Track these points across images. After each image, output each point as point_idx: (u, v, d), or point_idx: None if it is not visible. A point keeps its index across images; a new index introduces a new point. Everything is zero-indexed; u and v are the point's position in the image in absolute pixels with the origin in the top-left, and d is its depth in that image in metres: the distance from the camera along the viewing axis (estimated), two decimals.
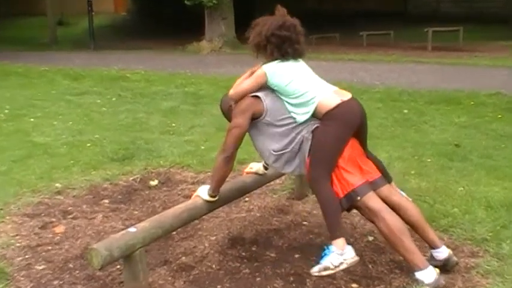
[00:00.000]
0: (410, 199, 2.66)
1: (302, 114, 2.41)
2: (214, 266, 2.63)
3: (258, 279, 2.50)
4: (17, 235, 2.98)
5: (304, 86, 2.41)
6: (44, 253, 2.78)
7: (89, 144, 4.87)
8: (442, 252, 2.44)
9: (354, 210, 2.52)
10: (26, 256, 2.75)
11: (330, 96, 2.40)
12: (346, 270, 2.43)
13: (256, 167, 2.97)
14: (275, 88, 2.44)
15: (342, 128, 2.36)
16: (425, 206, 3.21)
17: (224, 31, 14.12)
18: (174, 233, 2.95)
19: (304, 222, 3.14)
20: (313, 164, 2.35)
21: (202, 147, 4.71)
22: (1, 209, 3.33)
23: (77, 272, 2.59)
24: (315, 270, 2.30)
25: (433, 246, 2.46)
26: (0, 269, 2.58)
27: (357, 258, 2.30)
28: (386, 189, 2.46)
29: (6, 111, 6.47)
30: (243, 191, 2.93)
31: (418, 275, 2.30)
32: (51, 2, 17.74)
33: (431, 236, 2.46)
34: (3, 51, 14.06)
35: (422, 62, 10.58)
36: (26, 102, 6.99)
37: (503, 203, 3.20)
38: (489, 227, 2.87)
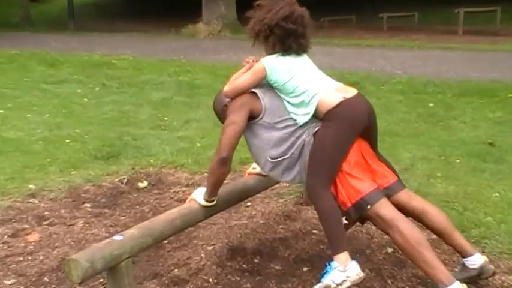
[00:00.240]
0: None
1: (302, 115, 2.43)
2: (211, 280, 2.64)
3: None
4: None
5: (305, 83, 2.43)
6: (14, 265, 2.78)
7: (68, 140, 4.89)
8: (476, 260, 2.43)
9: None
10: None
11: (331, 93, 2.41)
12: (363, 287, 2.42)
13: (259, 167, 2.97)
14: (274, 84, 2.46)
15: (344, 128, 2.36)
16: (454, 214, 3.22)
17: (224, 12, 14.12)
18: (166, 241, 2.95)
19: (314, 231, 3.14)
20: (311, 170, 2.36)
21: (198, 145, 4.72)
22: None
23: (53, 286, 2.60)
24: None
25: (464, 255, 2.45)
26: None
27: (362, 274, 2.29)
28: (405, 194, 2.46)
29: None
30: (244, 195, 2.93)
31: None
32: None
33: (462, 242, 2.46)
34: None
35: (452, 48, 10.57)
36: None
37: None
38: None
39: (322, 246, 2.94)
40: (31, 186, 3.79)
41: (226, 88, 2.50)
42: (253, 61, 2.55)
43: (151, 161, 4.29)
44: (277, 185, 3.55)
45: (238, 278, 2.65)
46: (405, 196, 2.46)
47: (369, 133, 2.47)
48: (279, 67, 2.43)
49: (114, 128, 5.34)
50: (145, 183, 3.87)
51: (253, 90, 2.47)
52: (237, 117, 2.39)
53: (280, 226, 3.23)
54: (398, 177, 2.52)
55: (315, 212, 3.35)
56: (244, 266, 2.76)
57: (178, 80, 7.88)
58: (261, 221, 3.30)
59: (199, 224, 3.02)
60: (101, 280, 2.57)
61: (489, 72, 7.81)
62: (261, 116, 2.44)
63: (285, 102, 2.46)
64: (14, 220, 3.28)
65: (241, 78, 2.48)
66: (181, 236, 3.07)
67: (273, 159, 2.47)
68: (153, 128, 5.37)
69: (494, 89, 6.70)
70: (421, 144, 4.76)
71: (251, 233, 3.14)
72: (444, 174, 3.98)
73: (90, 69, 8.77)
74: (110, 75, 8.22)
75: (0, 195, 3.63)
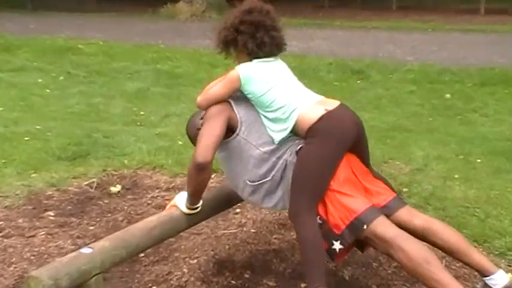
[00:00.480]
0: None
1: (278, 132, 2.48)
2: None
3: None
4: None
5: (283, 97, 2.48)
6: None
7: (27, 138, 4.86)
8: (499, 279, 2.42)
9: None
10: None
11: (312, 107, 2.46)
12: None
13: None
14: (249, 96, 2.52)
15: (330, 144, 2.40)
16: (474, 222, 3.24)
17: None
18: (143, 254, 2.94)
19: None
20: (294, 193, 2.40)
21: (180, 143, 4.71)
22: None
23: None
24: None
25: (485, 273, 2.45)
26: None
27: None
28: (405, 212, 2.49)
29: None
30: (233, 200, 2.92)
31: None
32: None
33: (481, 259, 2.46)
34: None
35: (472, 30, 10.63)
36: None
37: None
38: None
39: None
40: None
41: (199, 98, 2.57)
42: None
43: (125, 161, 4.28)
44: None
45: None
46: (406, 214, 2.48)
47: (358, 147, 2.51)
48: (255, 76, 2.49)
49: (82, 123, 5.31)
50: (118, 188, 3.85)
51: (229, 100, 2.53)
52: (214, 123, 2.42)
53: (274, 236, 3.23)
54: (396, 193, 2.56)
55: None
56: (233, 282, 2.76)
57: (156, 68, 7.86)
58: (252, 230, 3.30)
59: (181, 234, 3.01)
60: None
61: None
62: (238, 130, 2.48)
63: (261, 116, 2.52)
64: None
65: (214, 88, 2.55)
66: (161, 248, 3.05)
67: (252, 182, 2.51)
68: (127, 123, 5.36)
69: None
70: (436, 141, 4.79)
71: (241, 244, 3.14)
72: (463, 175, 4.00)
73: (52, 55, 8.72)
74: (76, 63, 8.18)
75: None
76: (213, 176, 3.84)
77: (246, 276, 2.81)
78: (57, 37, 10.28)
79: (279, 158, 2.48)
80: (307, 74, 7.24)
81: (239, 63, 2.57)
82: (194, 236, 3.22)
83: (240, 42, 2.54)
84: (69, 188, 3.84)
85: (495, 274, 2.42)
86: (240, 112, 2.51)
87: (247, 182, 2.52)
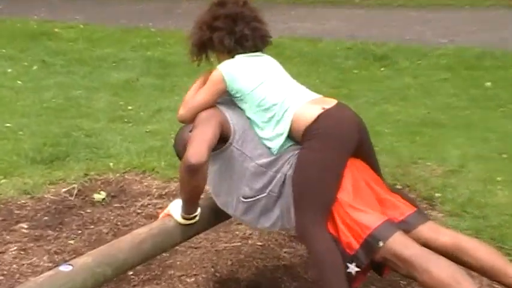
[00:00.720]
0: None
1: (275, 138, 2.52)
2: None
3: None
4: None
5: (275, 94, 2.52)
6: None
7: None
8: None
9: None
10: None
11: (307, 106, 2.50)
12: None
13: None
14: (236, 95, 2.57)
15: (329, 147, 2.43)
16: None
17: None
18: (131, 272, 2.95)
19: None
20: (298, 206, 2.42)
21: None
22: None
23: None
24: None
25: None
26: None
27: None
28: (428, 228, 2.48)
29: None
30: None
31: None
32: None
33: None
34: None
35: None
36: None
37: None
38: None
39: None
40: None
41: (181, 111, 2.62)
42: None
43: (111, 164, 4.29)
44: None
45: None
46: (429, 230, 2.47)
47: (363, 153, 2.54)
48: (240, 71, 2.54)
49: (60, 120, 5.32)
50: (102, 195, 3.86)
51: (217, 106, 2.56)
52: (206, 127, 2.44)
53: (284, 250, 3.23)
54: (417, 208, 2.56)
55: None
56: None
57: (146, 55, 7.86)
58: (259, 243, 3.30)
59: (176, 248, 3.02)
60: None
61: None
62: (230, 140, 2.50)
63: (253, 125, 2.55)
64: None
65: (197, 95, 2.59)
66: (152, 264, 3.06)
67: (246, 199, 2.54)
68: (113, 120, 5.36)
69: None
70: (474, 138, 4.77)
71: (245, 259, 3.15)
72: (507, 177, 3.99)
73: (24, 40, 8.72)
74: (52, 50, 8.18)
75: None
76: None
77: None
78: (30, 19, 10.29)
79: (276, 171, 2.51)
80: (322, 60, 7.23)
81: (218, 62, 2.63)
82: (191, 250, 3.23)
83: (215, 41, 2.60)
84: (45, 196, 3.85)
85: None
86: (232, 118, 2.53)
87: (241, 198, 2.54)
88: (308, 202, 2.40)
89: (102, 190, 3.91)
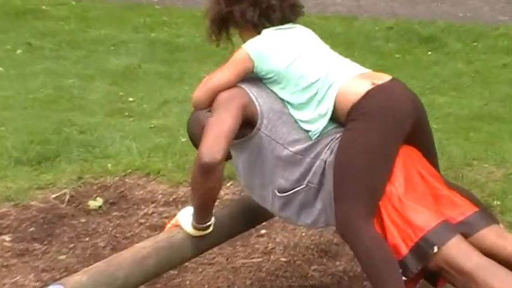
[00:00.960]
0: None
1: (316, 121, 2.50)
2: None
3: None
4: None
5: (315, 68, 2.50)
6: None
7: None
8: None
9: None
10: None
11: (354, 80, 2.48)
12: None
13: None
14: (267, 76, 2.54)
15: (381, 129, 2.41)
16: None
17: None
18: None
19: None
20: (340, 198, 2.40)
21: (183, 139, 4.70)
22: None
23: None
24: None
25: None
26: None
27: None
28: (493, 234, 2.44)
29: None
30: (256, 218, 2.94)
31: None
32: None
33: None
34: None
35: None
36: None
37: None
38: None
39: None
40: None
41: (197, 92, 2.60)
42: None
43: (109, 165, 4.29)
44: None
45: None
46: (495, 236, 2.44)
47: (419, 139, 2.52)
48: (270, 47, 2.52)
49: (49, 114, 5.34)
50: (99, 202, 3.87)
51: (240, 85, 2.55)
52: (225, 112, 2.44)
53: (313, 267, 3.23)
54: (481, 208, 2.53)
55: None
56: None
57: (150, 37, 7.86)
58: (283, 259, 3.29)
59: (186, 264, 3.02)
60: None
61: None
62: (257, 126, 2.49)
63: (286, 104, 2.54)
64: None
65: (216, 75, 2.58)
66: (158, 283, 3.05)
67: (282, 193, 2.53)
68: (111, 113, 5.37)
69: None
70: None
71: (267, 277, 3.14)
72: None
73: (6, 20, 8.70)
74: (39, 30, 8.19)
75: None
76: (228, 184, 3.84)
77: None
78: None
79: (314, 158, 2.49)
80: (358, 42, 7.18)
81: (242, 41, 2.62)
82: (204, 267, 3.22)
83: (236, 15, 2.59)
84: (32, 203, 3.86)
85: None
86: (259, 99, 2.51)
87: (276, 192, 2.53)
88: (352, 192, 2.38)
89: (98, 196, 3.92)
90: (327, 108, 2.48)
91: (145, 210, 3.79)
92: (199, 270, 3.20)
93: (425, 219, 2.34)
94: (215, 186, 2.44)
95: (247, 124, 2.48)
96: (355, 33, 7.63)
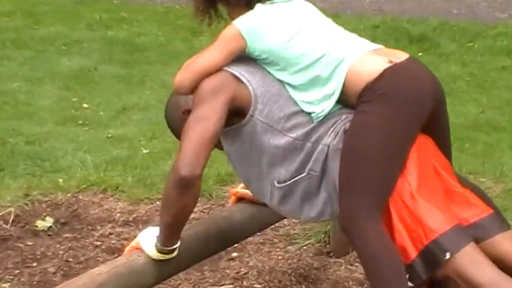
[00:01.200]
0: None
1: (320, 102, 2.48)
2: None
3: None
4: None
5: (319, 43, 2.48)
6: None
7: None
8: None
9: None
10: None
11: (367, 57, 2.47)
12: None
13: None
14: (263, 56, 2.52)
15: (399, 114, 2.39)
16: None
17: None
18: None
19: None
20: (346, 189, 2.39)
21: (145, 151, 4.73)
22: None
23: None
24: None
25: None
26: None
27: None
28: (505, 240, 2.46)
29: None
30: (227, 239, 2.94)
31: None
32: None
33: None
34: None
35: None
36: None
37: None
38: None
39: None
40: None
41: (180, 75, 2.56)
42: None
43: (60, 181, 4.28)
44: (284, 221, 3.55)
45: None
46: (508, 244, 2.46)
47: (435, 126, 2.51)
48: (264, 24, 2.50)
49: None
50: (49, 222, 3.85)
51: (230, 69, 2.52)
52: (208, 108, 2.43)
53: None
54: (494, 210, 2.53)
55: (353, 267, 3.39)
56: None
57: (107, 36, 7.85)
58: (257, 286, 3.30)
59: None
60: None
61: None
62: (250, 112, 2.48)
63: (286, 86, 2.52)
64: None
65: (203, 55, 2.54)
66: None
67: (281, 183, 2.52)
68: (63, 121, 5.36)
69: None
70: None
71: None
72: None
73: None
74: None
75: None
76: None
77: None
78: None
79: (316, 142, 2.48)
80: None
81: (231, 19, 2.58)
82: None
83: None
84: None
85: None
86: (252, 82, 2.49)
87: (276, 183, 2.52)
88: (361, 184, 2.37)
89: (48, 215, 3.90)
90: (334, 87, 2.45)
91: (101, 231, 3.77)
92: None
93: (438, 221, 2.33)
94: (190, 203, 2.43)
95: (237, 113, 2.47)
96: None
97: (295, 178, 2.50)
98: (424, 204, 2.34)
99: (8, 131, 5.09)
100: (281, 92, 2.51)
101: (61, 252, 3.60)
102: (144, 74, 6.54)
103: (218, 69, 2.50)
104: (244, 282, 3.33)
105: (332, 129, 2.47)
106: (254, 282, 3.33)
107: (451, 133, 4.60)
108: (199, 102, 2.46)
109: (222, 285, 3.32)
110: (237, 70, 2.50)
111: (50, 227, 3.81)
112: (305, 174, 2.49)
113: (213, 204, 3.85)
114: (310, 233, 3.68)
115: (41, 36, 7.81)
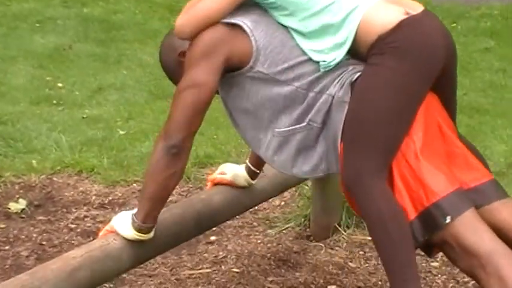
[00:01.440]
0: None
1: (330, 50, 2.42)
2: None
3: None
4: None
5: None
6: None
7: None
8: None
9: None
10: None
11: (381, 6, 2.42)
12: None
13: (233, 171, 2.98)
14: (270, 3, 2.47)
15: (412, 69, 2.36)
16: None
17: None
18: None
19: (332, 287, 3.18)
20: (352, 148, 2.36)
21: (121, 132, 4.71)
22: None
23: None
24: None
25: None
26: None
27: None
28: (504, 207, 2.44)
29: None
30: (205, 223, 2.93)
31: None
32: None
33: None
34: None
35: None
36: None
37: None
38: None
39: None
40: None
41: (181, 19, 2.49)
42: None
43: (34, 162, 4.25)
44: (264, 205, 3.55)
45: None
46: (506, 213, 2.44)
47: (443, 83, 2.47)
48: None
49: None
50: (22, 204, 3.82)
51: (232, 20, 2.45)
52: (201, 73, 2.39)
53: (270, 279, 3.23)
54: (493, 178, 2.51)
55: (333, 251, 3.41)
56: None
57: (82, 13, 7.79)
58: (235, 270, 3.29)
59: (124, 276, 3.01)
60: None
61: None
62: (251, 63, 2.44)
63: (292, 32, 2.47)
64: None
65: (205, 1, 2.46)
66: None
67: (280, 129, 2.48)
68: (37, 101, 5.32)
69: None
70: None
71: None
72: None
73: None
74: None
75: None
76: None
77: None
78: None
79: (320, 92, 2.43)
80: None
81: None
82: (144, 279, 3.21)
83: None
84: None
85: None
86: (255, 33, 2.43)
87: (276, 130, 2.48)
88: (368, 140, 2.34)
89: (21, 197, 3.88)
90: (346, 36, 2.39)
91: (76, 214, 3.75)
92: (139, 282, 3.18)
93: (441, 184, 2.30)
94: (177, 172, 2.41)
95: (235, 68, 2.43)
96: None
97: (294, 126, 2.46)
98: (427, 165, 2.32)
99: None
100: (286, 41, 2.46)
101: (34, 235, 3.58)
102: (120, 53, 6.50)
103: (221, 16, 2.43)
104: (223, 266, 3.31)
105: (338, 79, 2.42)
106: (233, 266, 3.32)
107: None
108: (191, 64, 2.42)
109: (200, 269, 3.31)
110: (240, 19, 2.44)
111: (23, 209, 3.78)
112: (305, 124, 2.45)
113: (191, 187, 3.84)
114: (290, 216, 3.67)
115: (13, 13, 7.74)
